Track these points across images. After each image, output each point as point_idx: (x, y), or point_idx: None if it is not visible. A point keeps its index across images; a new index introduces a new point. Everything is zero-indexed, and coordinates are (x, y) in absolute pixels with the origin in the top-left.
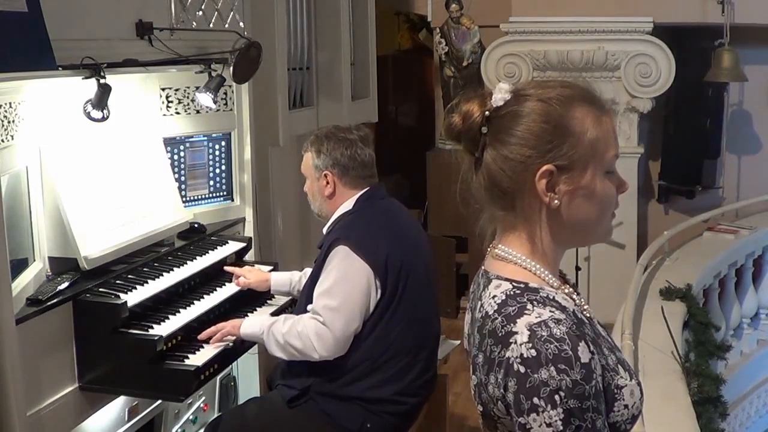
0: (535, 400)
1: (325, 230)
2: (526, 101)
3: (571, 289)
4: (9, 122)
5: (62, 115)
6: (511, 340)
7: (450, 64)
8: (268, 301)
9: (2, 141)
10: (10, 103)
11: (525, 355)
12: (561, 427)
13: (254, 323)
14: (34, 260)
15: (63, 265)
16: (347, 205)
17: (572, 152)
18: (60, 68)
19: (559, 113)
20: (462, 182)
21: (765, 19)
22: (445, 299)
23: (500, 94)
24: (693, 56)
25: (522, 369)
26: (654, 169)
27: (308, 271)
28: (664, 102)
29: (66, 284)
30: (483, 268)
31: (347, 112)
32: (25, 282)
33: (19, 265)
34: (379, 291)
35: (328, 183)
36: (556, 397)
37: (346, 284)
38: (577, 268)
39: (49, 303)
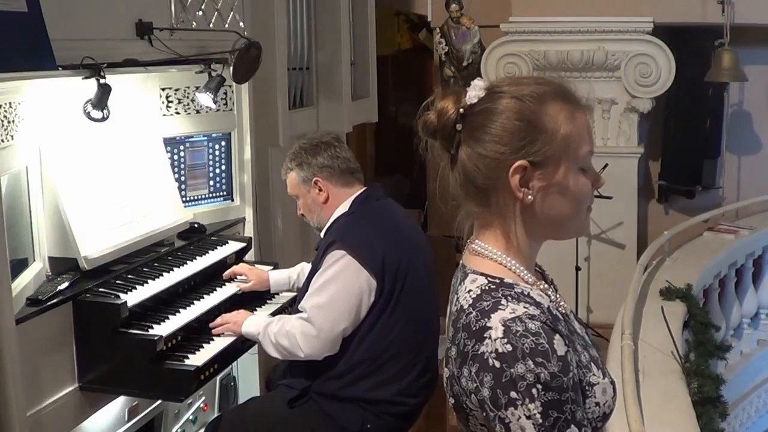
0: (513, 394)
1: (322, 233)
2: (500, 98)
3: (546, 285)
4: (9, 122)
5: (62, 115)
6: (485, 335)
7: (450, 64)
8: (269, 301)
9: (2, 141)
10: (10, 103)
11: (500, 350)
12: (540, 420)
13: (255, 323)
14: (34, 260)
15: (63, 265)
16: (343, 207)
17: (545, 148)
18: (60, 68)
19: (532, 110)
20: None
21: (765, 19)
22: (445, 299)
23: (474, 92)
24: (693, 56)
25: (497, 364)
26: (654, 169)
27: (305, 265)
28: (664, 102)
29: (66, 284)
30: (461, 262)
31: (347, 112)
32: (25, 282)
33: (19, 265)
34: (376, 292)
35: (320, 189)
36: (534, 390)
37: (337, 284)
38: (577, 268)
39: (49, 303)
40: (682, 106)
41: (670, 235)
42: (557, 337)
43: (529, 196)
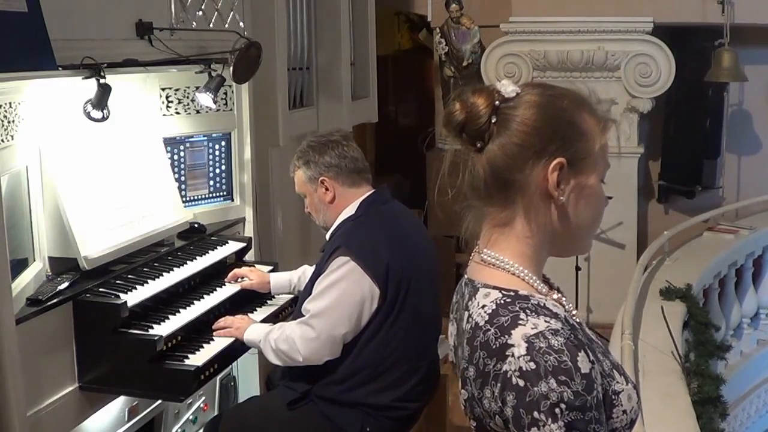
0: (536, 414)
1: (327, 236)
2: (538, 95)
3: (559, 295)
4: (9, 122)
5: (62, 115)
6: (507, 353)
7: (450, 64)
8: (268, 301)
9: (2, 141)
10: (10, 103)
11: (524, 368)
12: None
13: (257, 331)
14: (34, 260)
15: (63, 265)
16: (350, 209)
17: (584, 150)
18: (60, 68)
19: (571, 112)
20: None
21: (765, 19)
22: (445, 299)
23: (511, 87)
24: (693, 56)
25: (521, 383)
26: (654, 169)
27: (307, 268)
28: (664, 102)
29: (66, 284)
30: (466, 276)
31: (347, 112)
32: (25, 282)
33: (19, 265)
34: (379, 300)
35: (327, 189)
36: (557, 410)
37: (339, 289)
38: (577, 268)
39: (49, 303)
40: (682, 106)
41: (670, 235)
42: (581, 354)
43: (561, 198)
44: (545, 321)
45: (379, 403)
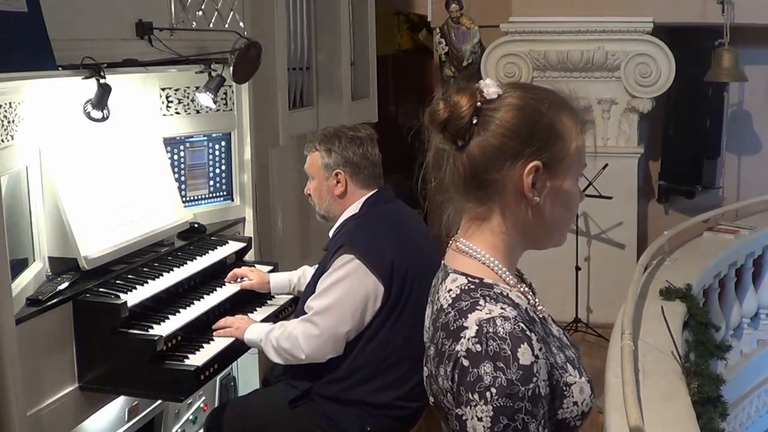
0: (470, 394)
1: (331, 233)
2: (518, 98)
3: (526, 288)
4: (9, 122)
5: (62, 115)
6: (461, 335)
7: (450, 64)
8: (268, 302)
9: (2, 141)
10: (10, 103)
11: (471, 350)
12: (489, 424)
13: (257, 331)
14: (34, 260)
15: (63, 265)
16: (354, 208)
17: (561, 153)
18: (60, 68)
19: (551, 115)
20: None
21: (765, 19)
22: None
23: (493, 88)
24: (693, 56)
25: (465, 363)
26: (654, 169)
27: (306, 269)
28: (664, 102)
29: (66, 284)
30: (443, 261)
31: (347, 112)
32: (25, 282)
33: (19, 265)
34: (382, 298)
35: (339, 182)
36: (488, 394)
37: (343, 287)
38: (577, 268)
39: (49, 303)
40: (682, 106)
41: (670, 235)
42: (524, 346)
43: (537, 198)
44: (501, 308)
45: (380, 401)
